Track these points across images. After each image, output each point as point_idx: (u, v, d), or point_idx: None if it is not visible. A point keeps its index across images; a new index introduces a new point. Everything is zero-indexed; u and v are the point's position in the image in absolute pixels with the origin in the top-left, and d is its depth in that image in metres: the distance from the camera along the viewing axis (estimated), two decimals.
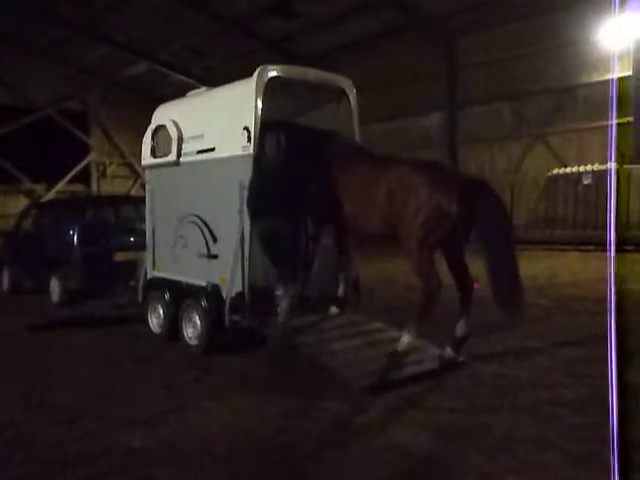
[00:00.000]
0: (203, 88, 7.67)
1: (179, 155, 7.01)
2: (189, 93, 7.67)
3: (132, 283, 8.71)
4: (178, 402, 5.03)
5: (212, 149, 6.57)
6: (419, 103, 21.06)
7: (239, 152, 6.08)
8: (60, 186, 26.54)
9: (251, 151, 5.94)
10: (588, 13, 15.79)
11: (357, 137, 6.95)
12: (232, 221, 6.18)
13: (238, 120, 6.12)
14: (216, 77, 19.74)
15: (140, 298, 7.70)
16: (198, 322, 6.54)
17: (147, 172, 7.88)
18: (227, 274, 6.22)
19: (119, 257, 9.88)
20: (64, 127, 26.65)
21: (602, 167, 15.17)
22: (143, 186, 9.89)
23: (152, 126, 7.53)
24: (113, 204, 11.39)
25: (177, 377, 5.75)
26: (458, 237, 5.59)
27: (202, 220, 6.71)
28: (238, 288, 6.13)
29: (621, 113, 15.10)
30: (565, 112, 17.97)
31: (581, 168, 15.70)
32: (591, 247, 15.16)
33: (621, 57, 15.11)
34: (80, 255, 9.74)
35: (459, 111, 20.22)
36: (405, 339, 5.58)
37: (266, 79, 6.02)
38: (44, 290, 10.26)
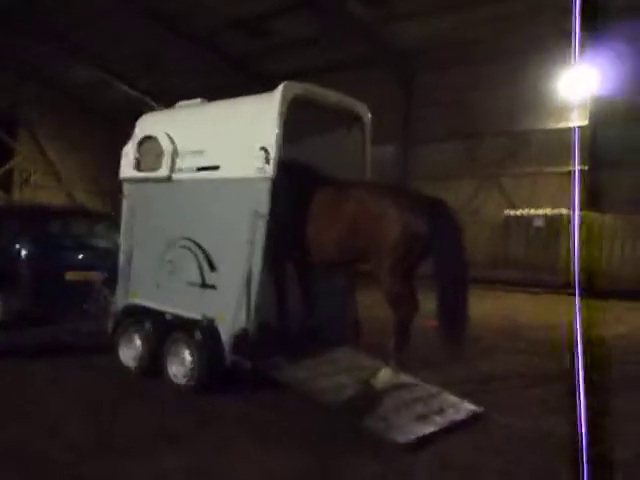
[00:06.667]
0: (198, 100, 7.05)
1: (172, 170, 6.35)
2: (179, 104, 7.05)
3: (86, 307, 7.91)
4: (187, 457, 4.33)
5: (216, 167, 5.97)
6: (374, 134, 21.07)
7: (252, 174, 5.51)
8: None
9: (269, 174, 5.39)
10: (547, 63, 16.40)
11: (368, 165, 6.61)
12: (238, 251, 5.57)
13: (252, 138, 5.57)
14: (163, 92, 19.02)
15: (110, 327, 6.87)
16: (188, 359, 5.82)
17: (127, 186, 7.09)
18: (227, 308, 5.60)
19: (70, 276, 8.92)
20: None
21: (554, 211, 15.61)
22: (69, 196, 9.05)
23: (137, 137, 6.80)
24: (63, 217, 10.37)
25: (173, 423, 5.01)
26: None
27: (198, 245, 6.04)
28: (241, 324, 5.51)
29: (574, 161, 15.65)
30: (518, 155, 18.48)
31: (532, 211, 16.10)
32: (538, 289, 15.50)
33: (577, 107, 15.73)
34: (28, 272, 8.68)
35: (414, 146, 20.40)
36: (385, 373, 5.39)
37: (290, 97, 5.53)
38: None
